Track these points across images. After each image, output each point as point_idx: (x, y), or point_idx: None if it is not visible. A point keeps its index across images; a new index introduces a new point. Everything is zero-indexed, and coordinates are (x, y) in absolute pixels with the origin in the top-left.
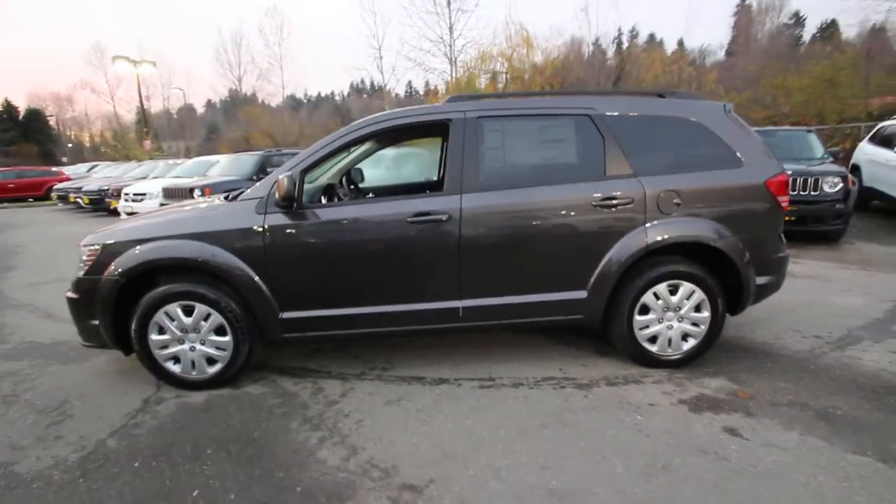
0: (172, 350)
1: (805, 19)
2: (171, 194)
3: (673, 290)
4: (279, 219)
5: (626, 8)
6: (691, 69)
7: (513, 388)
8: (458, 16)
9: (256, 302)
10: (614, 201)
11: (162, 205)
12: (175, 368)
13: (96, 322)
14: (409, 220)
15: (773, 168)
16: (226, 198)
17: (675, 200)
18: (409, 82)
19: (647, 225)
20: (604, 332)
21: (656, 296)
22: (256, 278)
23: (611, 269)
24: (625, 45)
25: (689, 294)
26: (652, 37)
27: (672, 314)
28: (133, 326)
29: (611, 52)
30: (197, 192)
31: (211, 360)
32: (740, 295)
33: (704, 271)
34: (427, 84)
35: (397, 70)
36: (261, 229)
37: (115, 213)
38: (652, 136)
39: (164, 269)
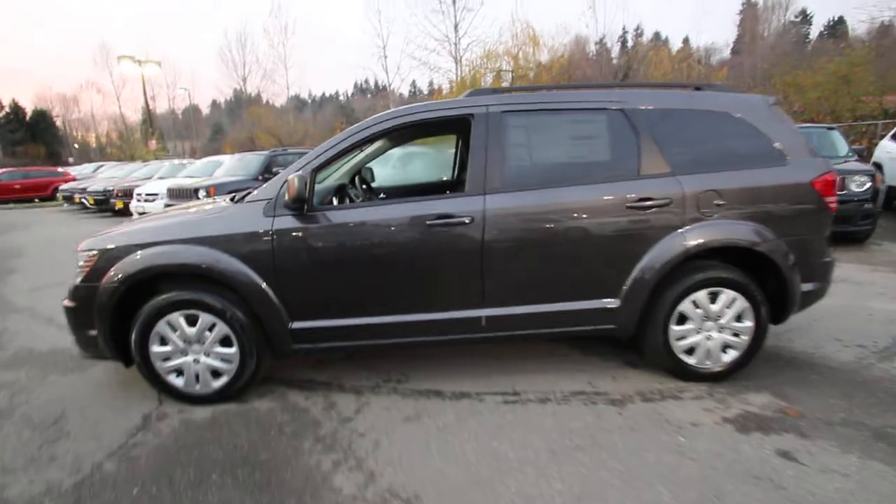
0: (175, 362)
1: (812, 17)
2: (176, 195)
3: (713, 298)
4: (288, 222)
5: (632, 6)
6: (700, 67)
7: (540, 404)
8: (463, 14)
9: (264, 311)
10: (650, 202)
11: (167, 206)
12: (178, 382)
13: (95, 332)
14: (428, 222)
15: (820, 166)
16: (232, 199)
17: (715, 201)
18: (413, 82)
19: (686, 227)
20: (636, 342)
21: (695, 304)
22: (264, 285)
23: (646, 275)
24: (630, 43)
25: (730, 302)
26: (657, 35)
27: (712, 324)
28: (133, 337)
29: (616, 50)
30: (202, 193)
31: (216, 373)
32: (785, 303)
33: (747, 277)
34: (431, 83)
35: (402, 69)
36: (269, 233)
37: (120, 213)
38: (690, 131)
39: (166, 276)
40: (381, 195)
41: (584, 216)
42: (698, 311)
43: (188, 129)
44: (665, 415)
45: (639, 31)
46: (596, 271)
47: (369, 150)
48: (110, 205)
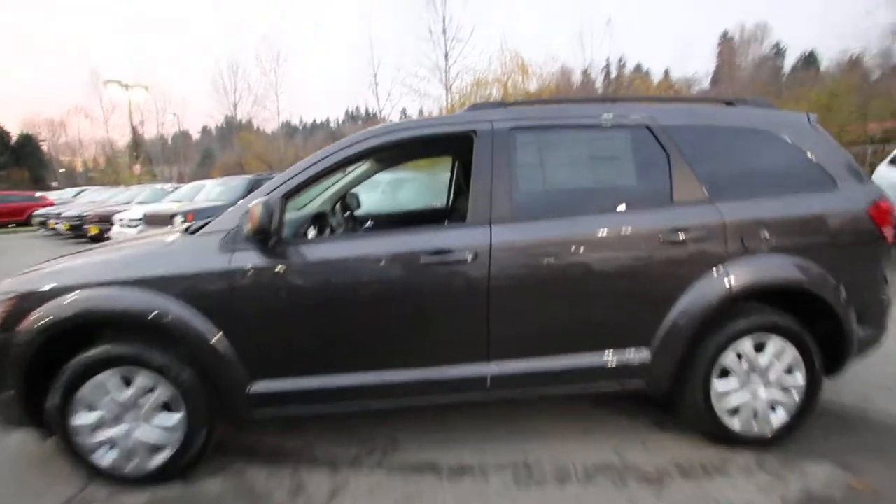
0: (105, 434)
1: (786, 50)
2: (152, 221)
3: (759, 348)
4: (251, 258)
5: (617, 36)
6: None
7: (559, 485)
8: (453, 44)
9: (217, 369)
10: (687, 234)
11: (141, 232)
12: (108, 458)
13: (7, 394)
14: (422, 260)
15: (872, 192)
16: (186, 230)
17: (761, 233)
18: (404, 109)
19: (728, 264)
20: (668, 401)
21: (739, 356)
22: (218, 337)
23: (683, 321)
24: (613, 74)
25: (779, 352)
26: (639, 66)
27: (758, 378)
28: (53, 402)
29: (600, 80)
30: (178, 219)
31: (156, 447)
32: (841, 351)
33: (799, 323)
34: (421, 111)
35: (392, 96)
36: (225, 272)
37: (95, 239)
38: (726, 152)
39: (97, 326)
40: (369, 223)
41: (609, 251)
42: (743, 363)
43: (177, 154)
44: (715, 496)
45: (622, 63)
46: (623, 317)
47: (354, 173)
48: (84, 231)
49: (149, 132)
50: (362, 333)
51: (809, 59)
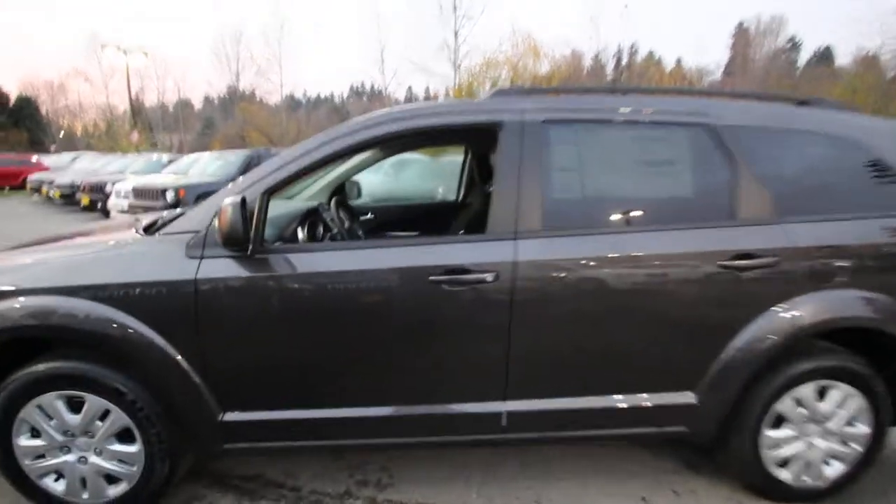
0: (51, 462)
1: (801, 44)
2: (142, 195)
3: (821, 392)
4: (223, 267)
5: (632, 22)
6: (702, 87)
7: None
8: (463, 22)
9: (182, 396)
10: (751, 259)
11: (130, 207)
12: (57, 488)
13: None
14: (432, 278)
15: None
16: (146, 228)
17: (837, 261)
18: (410, 87)
19: (797, 296)
20: (708, 446)
21: (798, 402)
22: (182, 360)
23: (739, 361)
24: (624, 60)
25: (844, 399)
26: (651, 54)
27: (817, 427)
28: None
29: (610, 66)
30: (170, 194)
31: (112, 478)
32: None
33: (871, 368)
34: (428, 90)
35: (399, 73)
36: (191, 283)
37: (88, 209)
38: (800, 161)
39: (36, 341)
40: (369, 215)
41: (656, 275)
42: (802, 411)
43: (178, 122)
44: None
45: (634, 49)
46: (668, 353)
47: (355, 160)
48: (76, 200)
49: (149, 99)
50: (357, 361)
51: (825, 55)
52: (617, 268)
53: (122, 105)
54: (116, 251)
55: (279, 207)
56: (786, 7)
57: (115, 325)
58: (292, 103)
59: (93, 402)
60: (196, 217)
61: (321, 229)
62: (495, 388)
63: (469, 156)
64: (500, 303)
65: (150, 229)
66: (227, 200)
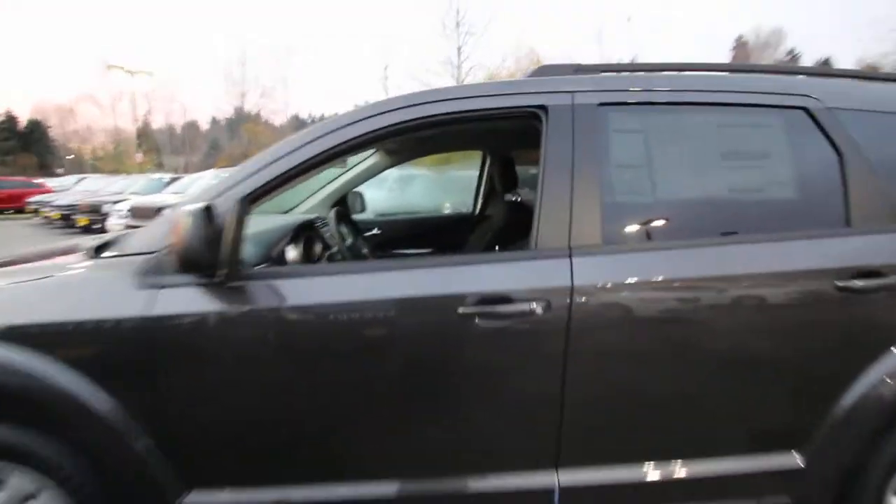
0: None
1: (800, 57)
2: (139, 214)
3: None
4: (189, 300)
5: (634, 35)
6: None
7: None
8: (466, 38)
9: (131, 469)
10: (875, 278)
11: (128, 227)
12: None
13: None
14: (462, 310)
15: None
16: (98, 249)
17: None
18: None
19: None
20: None
21: None
22: (131, 423)
23: (859, 412)
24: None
25: None
26: None
27: None
28: None
29: None
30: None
31: None
32: None
33: None
34: None
35: (402, 90)
36: (144, 321)
37: (86, 230)
38: None
39: None
40: (375, 230)
41: (755, 301)
42: None
43: (185, 144)
44: None
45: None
46: (769, 402)
47: (358, 168)
48: (73, 220)
49: (157, 122)
50: (364, 422)
51: (825, 66)
52: (705, 293)
53: (131, 128)
54: (44, 281)
55: (266, 221)
56: (785, 20)
57: (46, 380)
58: (297, 123)
59: (16, 477)
60: (153, 233)
61: (318, 247)
62: (544, 451)
63: (487, 161)
64: (552, 340)
65: (101, 250)
66: (185, 209)
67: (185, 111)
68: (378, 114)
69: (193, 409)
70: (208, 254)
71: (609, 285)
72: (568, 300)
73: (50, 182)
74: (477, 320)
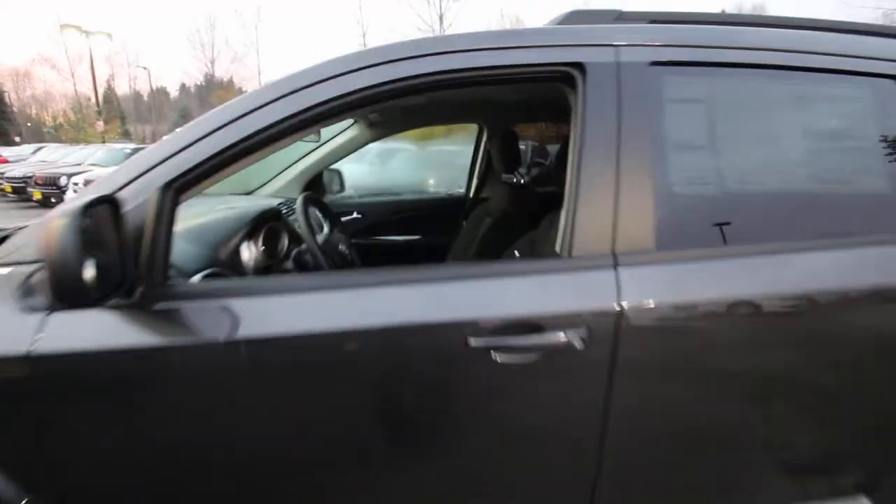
0: None
1: None
2: None
3: None
4: (90, 328)
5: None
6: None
7: None
8: (448, 4)
9: None
10: None
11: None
12: None
13: None
14: (474, 342)
15: None
16: None
17: None
18: None
19: None
20: None
21: None
22: (13, 496)
23: None
24: None
25: None
26: None
27: None
28: None
29: None
30: None
31: None
32: None
33: None
34: None
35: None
36: (26, 360)
37: (41, 203)
38: None
39: None
40: (354, 214)
41: (838, 320)
42: None
43: (151, 112)
44: None
45: None
46: (836, 440)
47: (333, 144)
48: (28, 194)
49: (121, 87)
50: (342, 488)
51: None
52: (779, 309)
53: (91, 94)
54: None
55: (213, 208)
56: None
57: None
58: None
59: None
60: (28, 241)
61: (284, 242)
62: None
63: (484, 136)
64: (592, 376)
65: None
66: (57, 212)
67: (151, 77)
68: (364, 67)
69: (95, 478)
70: (80, 286)
71: (669, 304)
72: (613, 327)
73: (5, 151)
74: (493, 355)
